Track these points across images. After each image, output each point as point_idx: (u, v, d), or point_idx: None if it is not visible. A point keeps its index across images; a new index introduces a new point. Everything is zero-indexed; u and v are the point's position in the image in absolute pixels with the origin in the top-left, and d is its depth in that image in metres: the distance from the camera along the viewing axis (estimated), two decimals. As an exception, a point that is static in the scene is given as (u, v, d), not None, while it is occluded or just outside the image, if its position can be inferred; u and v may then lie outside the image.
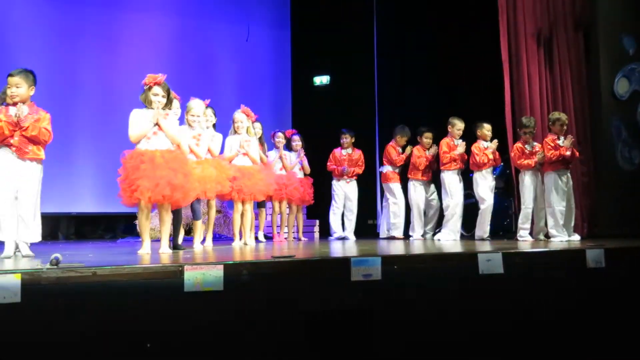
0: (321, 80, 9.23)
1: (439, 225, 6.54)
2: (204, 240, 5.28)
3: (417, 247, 4.91)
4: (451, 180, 6.18)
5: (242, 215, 5.48)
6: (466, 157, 6.22)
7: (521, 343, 3.49)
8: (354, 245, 5.34)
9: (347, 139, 7.02)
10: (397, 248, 4.66)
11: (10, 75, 3.82)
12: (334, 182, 7.07)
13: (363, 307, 3.17)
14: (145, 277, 2.71)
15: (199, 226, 5.12)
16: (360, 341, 3.14)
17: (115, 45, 8.20)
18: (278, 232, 6.73)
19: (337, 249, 4.72)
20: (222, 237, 7.52)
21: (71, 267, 2.60)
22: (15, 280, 2.43)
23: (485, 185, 6.04)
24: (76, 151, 7.76)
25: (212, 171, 5.02)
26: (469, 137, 6.27)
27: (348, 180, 7.03)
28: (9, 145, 3.79)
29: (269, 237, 6.87)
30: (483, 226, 6.04)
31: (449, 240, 6.02)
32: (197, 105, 5.03)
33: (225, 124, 5.72)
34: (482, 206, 6.03)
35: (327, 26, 8.72)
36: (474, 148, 6.08)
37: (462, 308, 3.38)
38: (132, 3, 8.46)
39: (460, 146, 6.18)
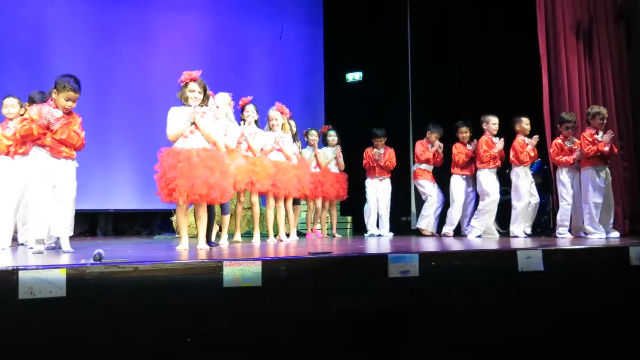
0: (354, 76, 9.20)
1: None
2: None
3: (455, 243, 4.86)
4: (488, 179, 6.11)
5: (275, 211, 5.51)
6: (504, 154, 6.13)
7: (562, 342, 3.42)
8: (390, 242, 5.31)
9: (379, 141, 7.01)
10: (434, 244, 4.62)
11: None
12: (367, 181, 7.07)
13: (400, 304, 3.15)
14: (185, 272, 2.75)
15: (226, 221, 5.17)
16: (397, 338, 3.12)
17: (151, 45, 8.33)
18: (313, 229, 6.74)
19: (373, 246, 4.70)
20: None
21: (113, 263, 2.65)
22: (61, 275, 2.49)
23: (526, 181, 5.93)
24: (114, 149, 7.91)
25: (242, 162, 5.06)
26: (505, 133, 6.17)
27: (381, 178, 7.02)
28: (43, 146, 3.88)
29: (302, 234, 6.89)
30: (524, 222, 5.93)
31: (477, 235, 5.95)
32: (218, 97, 5.10)
33: (260, 121, 5.76)
34: (520, 203, 5.92)
35: (360, 22, 8.68)
36: (515, 144, 5.97)
37: (501, 306, 3.33)
38: (167, 2, 8.57)
39: (500, 143, 6.10)
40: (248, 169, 5.16)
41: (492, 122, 6.19)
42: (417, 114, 8.14)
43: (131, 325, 2.60)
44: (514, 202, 6.00)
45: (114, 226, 8.27)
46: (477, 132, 6.42)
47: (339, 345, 2.98)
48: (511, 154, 6.00)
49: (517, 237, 5.81)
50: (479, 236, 6.04)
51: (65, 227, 3.94)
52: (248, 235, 6.14)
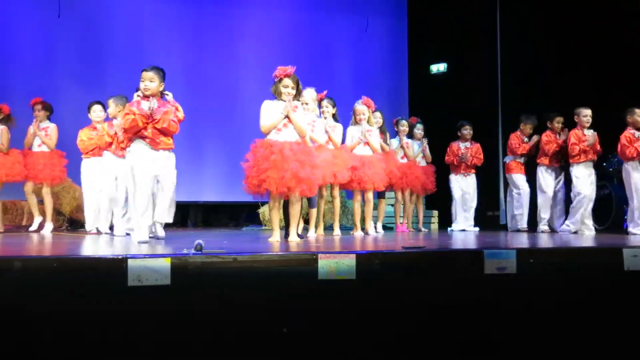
0: (438, 67, 9.02)
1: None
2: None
3: (554, 240, 4.65)
4: (580, 173, 5.81)
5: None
6: (598, 147, 5.81)
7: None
8: (483, 238, 5.16)
9: (467, 131, 6.88)
10: (531, 241, 4.46)
11: (145, 70, 4.11)
12: (452, 177, 6.95)
13: (497, 301, 3.06)
14: (281, 264, 2.80)
15: (314, 214, 5.21)
16: (493, 336, 3.04)
17: (238, 40, 8.57)
18: (401, 223, 6.70)
19: (465, 241, 4.59)
20: (340, 227, 7.59)
21: (214, 253, 2.73)
22: (166, 264, 2.59)
23: (637, 177, 5.56)
24: (202, 143, 8.19)
25: (329, 157, 5.09)
26: (601, 125, 5.83)
27: (466, 174, 6.86)
28: (143, 138, 4.06)
29: (388, 227, 6.85)
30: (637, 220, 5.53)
31: (571, 231, 5.70)
32: (306, 93, 5.13)
33: (344, 115, 5.77)
34: (635, 200, 5.49)
35: (445, 11, 8.49)
36: (623, 137, 5.60)
37: (605, 307, 3.16)
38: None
39: (591, 136, 5.78)
40: (330, 163, 5.19)
41: (584, 115, 5.88)
42: (506, 106, 7.86)
43: (230, 315, 2.68)
44: (630, 199, 5.64)
45: (203, 217, 8.58)
46: (571, 125, 6.12)
47: (431, 341, 2.94)
48: (618, 148, 5.67)
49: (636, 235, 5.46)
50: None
51: (165, 214, 4.12)
52: (328, 229, 6.17)
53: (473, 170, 6.91)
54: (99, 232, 5.64)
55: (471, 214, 6.90)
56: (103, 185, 5.60)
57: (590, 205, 5.85)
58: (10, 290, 2.50)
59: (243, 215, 8.51)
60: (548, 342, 3.09)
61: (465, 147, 6.88)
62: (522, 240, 4.50)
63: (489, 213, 7.79)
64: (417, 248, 3.17)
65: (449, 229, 6.95)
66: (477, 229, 6.81)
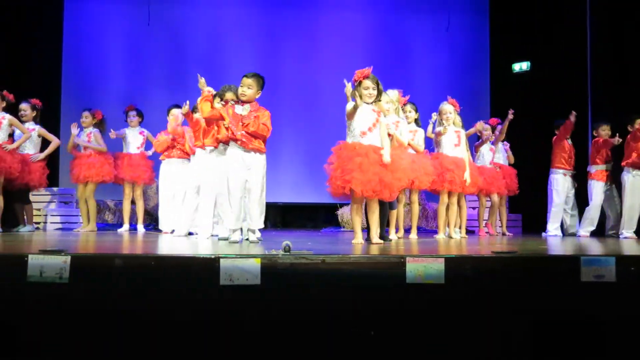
0: (520, 66, 8.70)
1: None
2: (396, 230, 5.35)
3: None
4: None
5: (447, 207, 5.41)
6: None
7: None
8: (576, 243, 4.93)
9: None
10: (632, 247, 4.22)
11: (245, 76, 4.20)
12: (555, 177, 6.46)
13: (593, 311, 2.92)
14: (368, 266, 2.79)
15: (394, 217, 5.16)
16: (588, 348, 2.89)
17: (315, 43, 8.65)
18: (486, 224, 6.53)
19: (558, 246, 4.40)
20: (420, 230, 7.49)
21: (302, 254, 2.76)
22: (256, 264, 2.64)
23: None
24: (282, 145, 8.28)
25: (409, 162, 5.03)
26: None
27: (570, 173, 6.53)
28: (236, 140, 4.16)
29: (469, 231, 6.69)
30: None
31: None
32: (389, 94, 5.09)
33: (424, 115, 5.70)
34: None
35: (529, 5, 8.18)
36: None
37: None
38: (331, 2, 8.83)
39: None
40: (409, 169, 5.12)
41: None
42: (596, 107, 7.45)
43: (317, 315, 2.69)
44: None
45: (281, 218, 8.69)
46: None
47: (521, 349, 2.84)
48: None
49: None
50: None
51: (256, 221, 4.23)
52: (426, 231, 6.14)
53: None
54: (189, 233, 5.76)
55: (575, 216, 6.59)
56: (188, 186, 5.67)
57: None
58: (109, 286, 2.63)
59: (321, 216, 8.54)
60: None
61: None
62: (621, 248, 4.26)
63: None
64: (508, 253, 3.06)
65: (543, 233, 6.58)
66: (585, 233, 6.37)
